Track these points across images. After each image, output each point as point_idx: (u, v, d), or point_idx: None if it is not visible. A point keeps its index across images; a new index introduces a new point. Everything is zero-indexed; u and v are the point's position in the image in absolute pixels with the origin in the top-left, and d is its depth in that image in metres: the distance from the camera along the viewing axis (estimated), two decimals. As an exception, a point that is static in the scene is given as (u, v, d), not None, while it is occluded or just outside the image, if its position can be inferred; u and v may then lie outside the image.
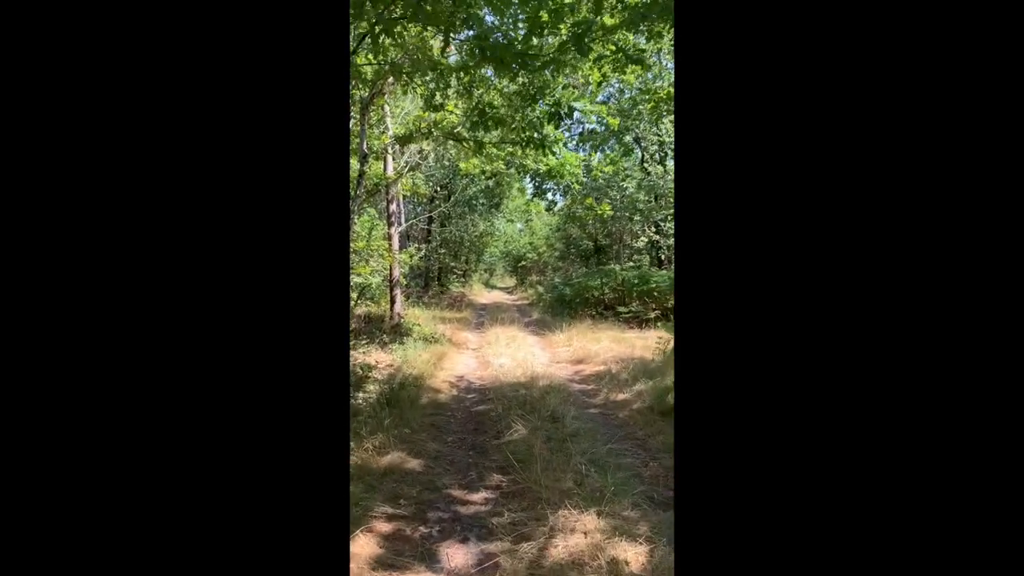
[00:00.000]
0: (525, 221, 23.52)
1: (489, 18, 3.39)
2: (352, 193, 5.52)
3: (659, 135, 11.93)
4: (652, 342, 7.00)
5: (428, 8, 2.79)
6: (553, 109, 3.19)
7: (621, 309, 10.19)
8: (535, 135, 3.99)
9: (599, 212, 9.89)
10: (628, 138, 11.74)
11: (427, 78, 5.26)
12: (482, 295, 18.63)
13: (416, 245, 12.36)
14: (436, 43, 4.26)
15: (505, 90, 4.74)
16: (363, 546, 2.30)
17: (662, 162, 12.47)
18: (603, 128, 12.13)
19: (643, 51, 4.32)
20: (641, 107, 10.83)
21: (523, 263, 23.12)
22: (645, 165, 12.71)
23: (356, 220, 9.76)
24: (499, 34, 3.04)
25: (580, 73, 4.20)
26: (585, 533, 2.32)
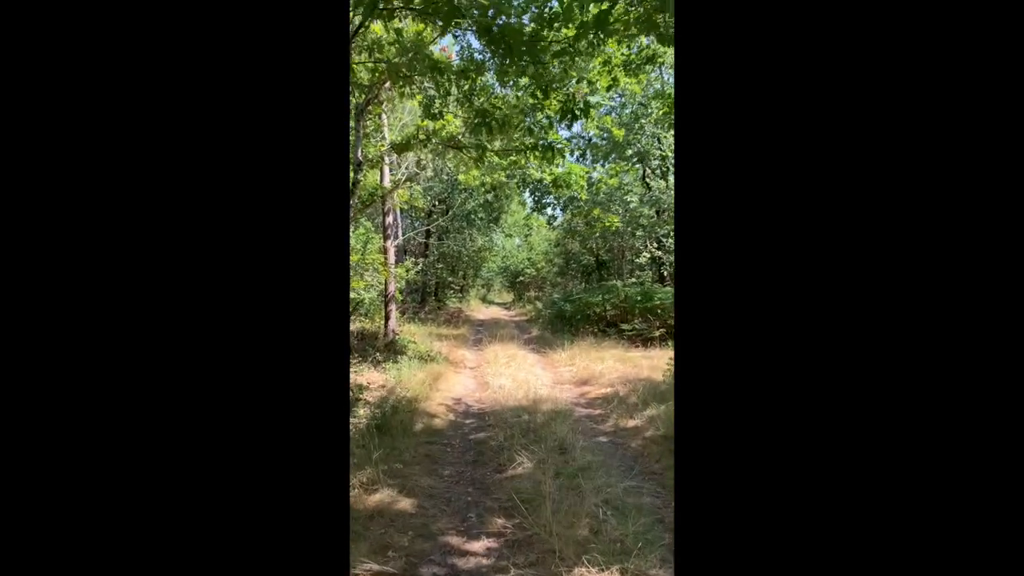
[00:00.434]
0: (524, 236, 23.32)
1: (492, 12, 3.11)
2: (345, 203, 5.21)
3: (661, 150, 11.72)
4: (659, 362, 6.66)
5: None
6: (566, 106, 2.88)
7: (624, 327, 9.85)
8: (541, 140, 3.67)
9: (607, 223, 9.58)
10: (630, 151, 11.52)
11: (426, 83, 5.00)
12: (479, 311, 18.27)
13: (413, 259, 12.03)
14: (435, 40, 3.99)
15: (509, 93, 4.46)
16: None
17: (664, 176, 12.25)
18: (604, 141, 11.95)
19: (654, 52, 4.06)
20: (643, 121, 10.65)
21: (521, 279, 22.88)
22: (647, 180, 12.49)
23: (351, 232, 9.46)
24: (504, 17, 2.75)
25: (588, 77, 3.90)
26: (608, 598, 1.95)
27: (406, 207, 14.06)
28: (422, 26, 3.93)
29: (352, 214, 5.46)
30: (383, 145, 5.55)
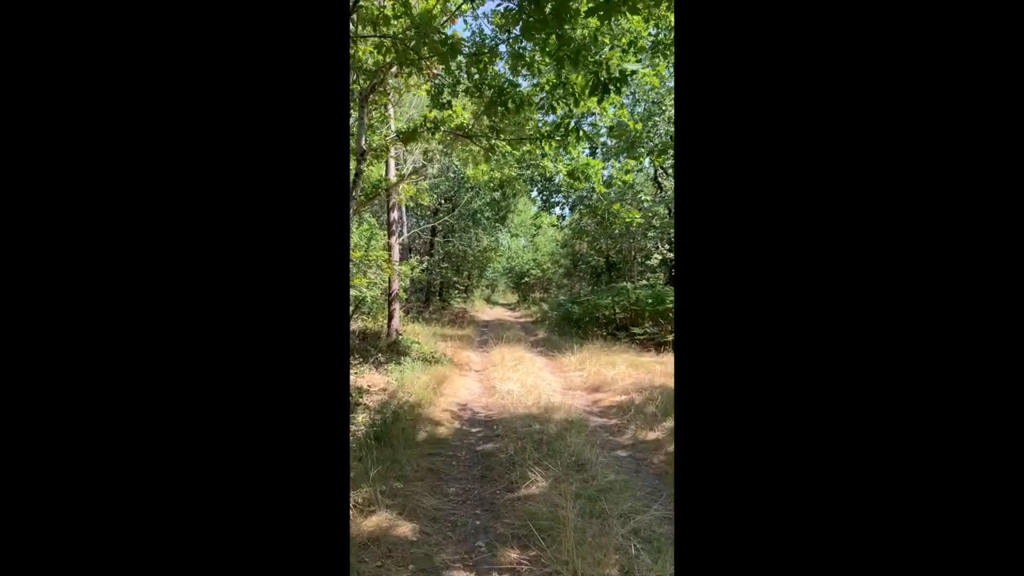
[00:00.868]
0: (531, 237, 23.03)
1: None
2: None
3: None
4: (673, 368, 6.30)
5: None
6: (598, 77, 2.54)
7: (635, 330, 9.50)
8: (569, 120, 3.29)
9: (628, 219, 9.20)
10: (643, 149, 11.17)
11: (435, 69, 4.68)
12: (484, 311, 17.95)
13: (418, 257, 11.72)
14: (445, 21, 3.67)
15: (523, 83, 4.13)
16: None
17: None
18: (616, 142, 11.60)
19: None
20: (657, 119, 10.29)
21: (526, 279, 22.59)
22: (659, 179, 12.13)
23: (354, 228, 9.16)
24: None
25: (621, 44, 3.47)
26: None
27: (412, 204, 13.79)
28: (433, 1, 3.61)
29: (354, 207, 5.15)
30: (388, 133, 5.23)
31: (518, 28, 2.91)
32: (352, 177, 5.13)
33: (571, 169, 4.80)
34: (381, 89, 5.48)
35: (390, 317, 8.02)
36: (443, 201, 14.75)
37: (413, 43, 3.09)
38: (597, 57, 2.54)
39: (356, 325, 8.80)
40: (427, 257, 13.86)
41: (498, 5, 4.06)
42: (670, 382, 5.81)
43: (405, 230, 12.40)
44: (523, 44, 3.78)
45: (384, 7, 3.06)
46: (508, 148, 4.69)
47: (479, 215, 15.71)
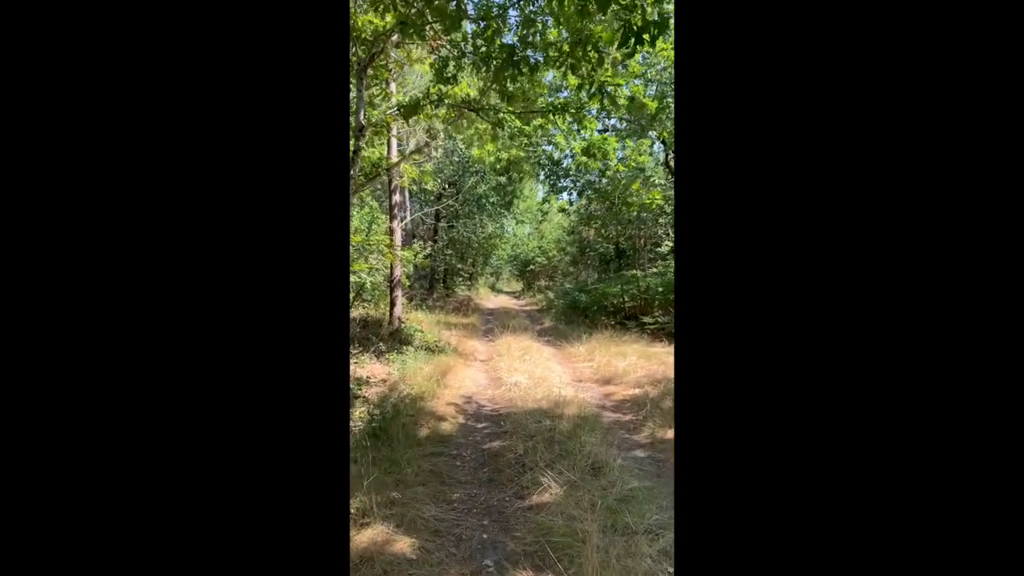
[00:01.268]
0: (536, 224, 22.68)
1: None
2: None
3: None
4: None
5: None
6: (630, 25, 2.17)
7: (646, 320, 9.17)
8: (590, 83, 2.91)
9: (647, 200, 8.78)
10: (653, 132, 10.75)
11: (439, 38, 4.31)
12: (488, 299, 17.66)
13: (421, 243, 11.40)
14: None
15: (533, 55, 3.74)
16: None
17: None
18: (627, 123, 11.17)
19: None
20: (669, 99, 9.86)
21: (531, 267, 22.27)
22: (669, 163, 11.72)
23: (354, 211, 8.83)
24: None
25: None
26: None
27: (415, 188, 13.43)
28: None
29: (353, 188, 4.82)
30: (389, 107, 4.87)
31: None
32: (351, 154, 4.80)
33: (586, 146, 4.44)
34: (381, 61, 5.11)
35: (392, 304, 7.72)
36: (447, 186, 14.38)
37: (416, 6, 2.74)
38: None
39: (357, 312, 8.52)
40: (431, 243, 13.53)
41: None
42: (685, 375, 5.50)
43: (408, 215, 12.07)
44: (536, 3, 3.40)
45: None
46: (518, 123, 4.34)
47: (484, 200, 15.34)
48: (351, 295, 7.50)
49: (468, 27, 4.57)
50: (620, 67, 3.28)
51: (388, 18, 3.58)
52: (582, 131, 4.37)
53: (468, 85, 5.35)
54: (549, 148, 12.70)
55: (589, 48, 2.85)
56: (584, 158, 4.61)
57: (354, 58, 4.74)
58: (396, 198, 7.78)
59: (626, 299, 10.35)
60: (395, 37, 4.51)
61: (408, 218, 11.96)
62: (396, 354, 6.43)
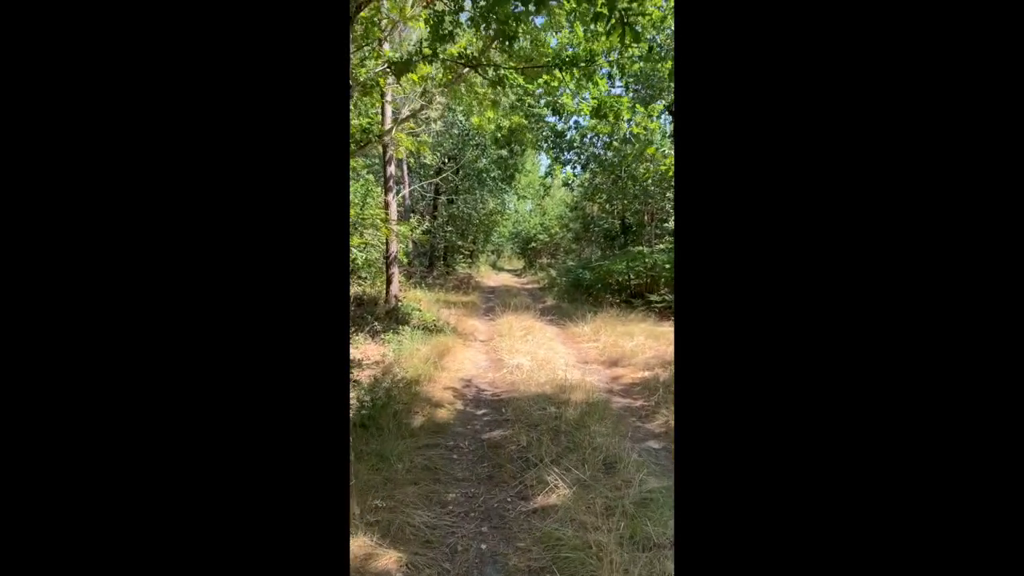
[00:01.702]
0: (538, 200, 22.22)
1: None
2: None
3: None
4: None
5: None
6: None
7: (653, 298, 8.84)
8: (611, 11, 2.44)
9: (663, 166, 8.30)
10: (662, 104, 10.24)
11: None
12: (489, 277, 17.32)
13: (418, 217, 11.00)
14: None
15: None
16: None
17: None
18: (637, 90, 10.63)
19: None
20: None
21: (533, 245, 21.90)
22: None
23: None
24: None
25: None
26: None
27: (413, 161, 12.95)
28: None
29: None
30: (379, 64, 4.41)
31: None
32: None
33: (597, 104, 4.02)
34: (372, 12, 4.65)
35: (388, 282, 7.37)
36: (447, 160, 13.91)
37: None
38: None
39: (351, 290, 8.19)
40: (430, 219, 13.14)
41: None
42: (696, 356, 5.18)
43: (407, 188, 11.64)
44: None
45: None
46: (520, 81, 3.92)
47: (485, 175, 14.87)
48: (345, 272, 7.15)
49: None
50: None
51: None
52: (588, 93, 3.94)
53: (467, 44, 4.91)
54: (553, 119, 12.20)
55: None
56: (595, 120, 4.19)
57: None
58: (391, 170, 7.37)
59: (632, 276, 10.00)
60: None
61: (406, 191, 11.53)
62: (392, 334, 6.11)
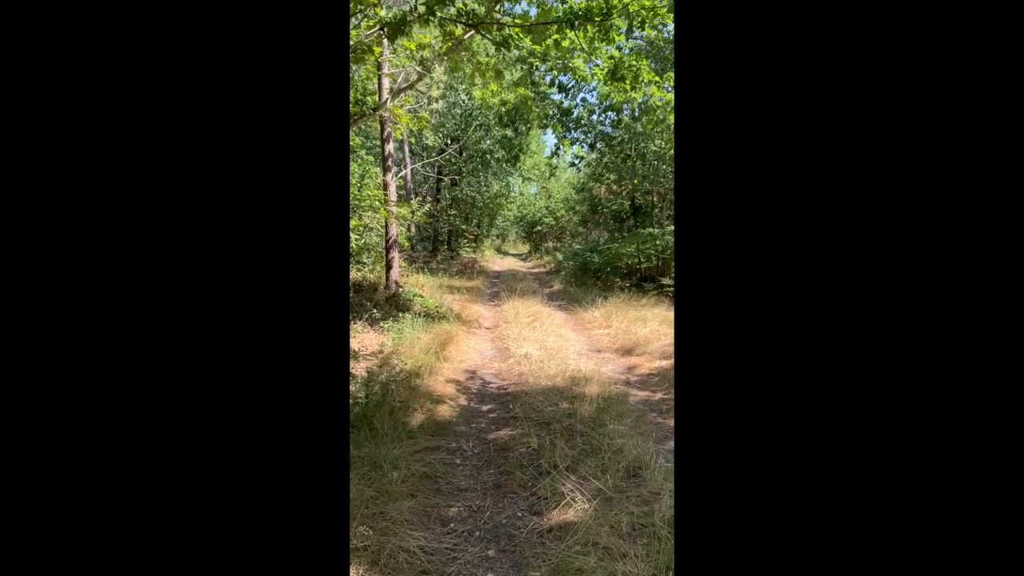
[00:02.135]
0: (544, 182, 21.74)
1: None
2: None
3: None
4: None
5: None
6: None
7: (665, 281, 8.46)
8: None
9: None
10: (668, 85, 9.73)
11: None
12: (495, 261, 16.95)
13: (419, 199, 10.61)
14: None
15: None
16: None
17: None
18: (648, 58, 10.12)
19: None
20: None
21: (538, 228, 21.48)
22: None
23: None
24: None
25: None
26: None
27: (414, 141, 12.52)
28: None
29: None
30: (370, 24, 4.03)
31: None
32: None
33: (613, 65, 3.62)
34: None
35: (388, 267, 7.03)
36: (449, 141, 13.47)
37: None
38: None
39: (350, 276, 7.86)
40: (433, 202, 12.74)
41: None
42: (715, 343, 4.84)
43: (408, 170, 11.23)
44: None
45: None
46: (527, 41, 3.53)
47: (489, 156, 14.41)
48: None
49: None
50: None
51: None
52: (600, 59, 3.53)
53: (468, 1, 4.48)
54: (559, 96, 11.69)
55: None
56: (608, 88, 3.78)
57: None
58: (389, 148, 6.98)
59: (642, 259, 9.62)
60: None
61: (407, 171, 11.13)
62: (392, 321, 5.79)
